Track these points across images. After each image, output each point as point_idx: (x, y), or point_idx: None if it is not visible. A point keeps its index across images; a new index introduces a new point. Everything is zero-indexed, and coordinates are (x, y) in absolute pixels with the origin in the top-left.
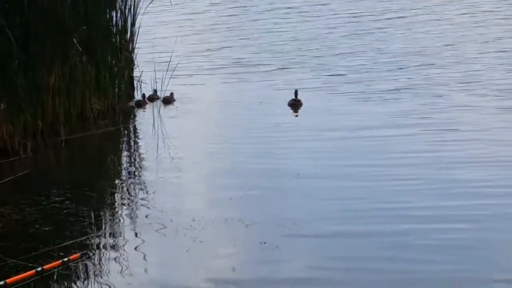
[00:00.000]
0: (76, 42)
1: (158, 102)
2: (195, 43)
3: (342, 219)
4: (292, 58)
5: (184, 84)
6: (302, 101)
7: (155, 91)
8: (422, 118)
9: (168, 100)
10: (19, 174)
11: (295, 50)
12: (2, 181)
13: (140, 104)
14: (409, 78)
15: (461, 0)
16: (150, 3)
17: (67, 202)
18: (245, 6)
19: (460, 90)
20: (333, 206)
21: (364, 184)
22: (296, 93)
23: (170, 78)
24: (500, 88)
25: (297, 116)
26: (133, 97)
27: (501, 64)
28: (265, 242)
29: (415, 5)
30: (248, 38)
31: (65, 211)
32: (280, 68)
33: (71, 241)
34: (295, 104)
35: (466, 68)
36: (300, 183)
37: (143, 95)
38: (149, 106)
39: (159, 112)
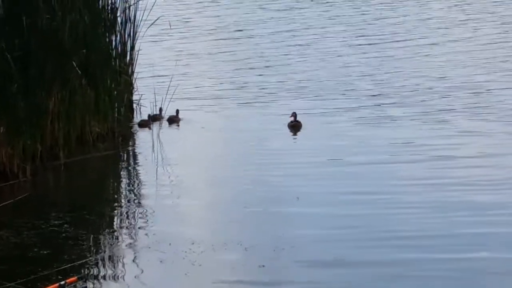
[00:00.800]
0: (75, 66)
1: (163, 122)
2: (195, 67)
3: (340, 246)
4: (297, 82)
5: (185, 109)
6: (303, 123)
7: (161, 109)
8: (425, 144)
9: (173, 120)
10: (18, 197)
11: (298, 74)
12: (1, 204)
13: (143, 124)
14: (414, 103)
15: (466, 24)
16: (149, 27)
17: (66, 225)
18: (247, 30)
19: (467, 115)
20: (332, 232)
21: (365, 211)
22: (295, 115)
23: (170, 101)
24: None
25: (297, 139)
26: (132, 120)
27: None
28: (263, 266)
29: (421, 29)
30: (250, 62)
31: (64, 235)
32: (283, 92)
33: (70, 265)
34: (295, 126)
35: (473, 92)
36: (299, 207)
37: (149, 115)
38: (153, 126)
39: (158, 135)
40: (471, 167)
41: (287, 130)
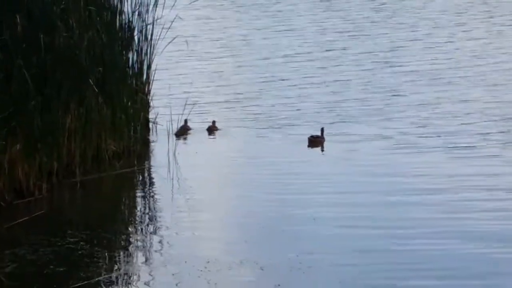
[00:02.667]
0: (92, 83)
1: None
2: (211, 86)
3: (356, 269)
4: (320, 105)
5: (201, 127)
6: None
7: (186, 121)
8: (454, 174)
9: (211, 129)
10: (34, 214)
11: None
12: (17, 221)
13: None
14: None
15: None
16: (166, 46)
17: (81, 243)
18: (268, 51)
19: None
20: (348, 254)
21: (382, 233)
22: (322, 130)
23: (186, 120)
24: None
25: (315, 160)
26: (148, 139)
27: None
28: (279, 285)
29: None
30: (270, 83)
31: (79, 252)
32: (303, 116)
33: (85, 282)
34: (314, 142)
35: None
36: (316, 227)
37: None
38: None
39: (174, 154)
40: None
41: (305, 151)
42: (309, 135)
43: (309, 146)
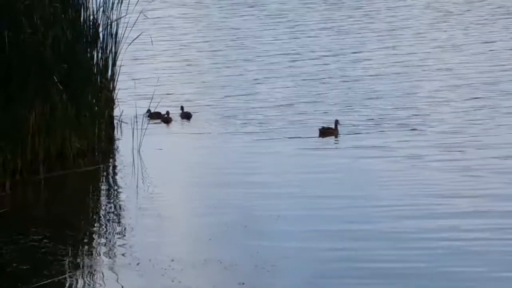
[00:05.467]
0: (57, 81)
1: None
2: (177, 83)
3: (320, 266)
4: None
5: (163, 125)
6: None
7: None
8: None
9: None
10: None
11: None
12: None
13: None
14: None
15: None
16: (130, 44)
17: (45, 241)
18: (232, 48)
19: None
20: (312, 251)
21: (347, 230)
22: (336, 123)
23: (170, 121)
24: None
25: (278, 156)
26: (113, 136)
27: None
28: (243, 283)
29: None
30: (234, 75)
31: (43, 250)
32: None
33: (49, 280)
34: (326, 132)
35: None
36: (280, 225)
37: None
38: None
39: (139, 151)
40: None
41: (268, 147)
42: (320, 127)
43: (320, 136)
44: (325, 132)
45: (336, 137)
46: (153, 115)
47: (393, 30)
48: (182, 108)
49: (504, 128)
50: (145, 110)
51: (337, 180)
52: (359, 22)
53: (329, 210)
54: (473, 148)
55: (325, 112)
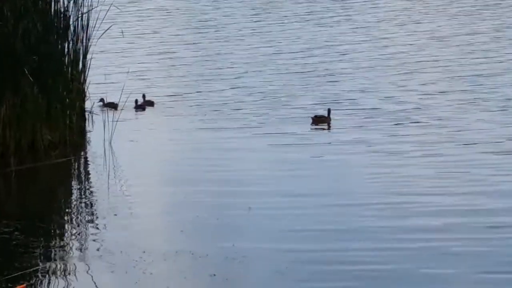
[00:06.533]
0: (27, 73)
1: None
2: (148, 75)
3: (291, 257)
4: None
5: (135, 118)
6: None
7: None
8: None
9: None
10: None
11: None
12: None
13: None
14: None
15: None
16: (101, 36)
17: (16, 233)
18: (205, 40)
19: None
20: (283, 243)
21: (318, 221)
22: (329, 111)
23: (121, 109)
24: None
25: (249, 148)
26: (84, 128)
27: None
28: (215, 275)
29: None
30: (207, 68)
31: (14, 242)
32: (240, 102)
33: (20, 273)
34: (318, 121)
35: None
36: (251, 217)
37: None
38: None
39: (110, 143)
40: None
41: (241, 140)
42: (313, 115)
43: (312, 124)
44: (317, 120)
45: (328, 125)
46: (107, 105)
47: (378, 22)
48: (144, 96)
49: (489, 123)
50: (108, 100)
51: (314, 177)
52: (343, 14)
53: (303, 209)
54: (458, 143)
55: (303, 107)
